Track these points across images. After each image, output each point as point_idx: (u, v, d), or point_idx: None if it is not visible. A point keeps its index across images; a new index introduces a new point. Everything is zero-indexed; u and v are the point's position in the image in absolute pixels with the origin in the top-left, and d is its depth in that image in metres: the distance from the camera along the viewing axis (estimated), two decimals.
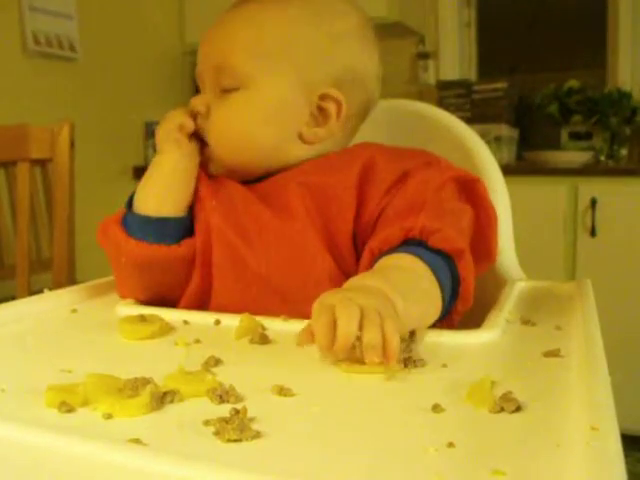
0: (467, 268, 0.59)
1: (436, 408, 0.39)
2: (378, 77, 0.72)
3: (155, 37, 2.85)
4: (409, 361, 0.47)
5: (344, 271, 0.62)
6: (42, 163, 1.72)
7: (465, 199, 0.64)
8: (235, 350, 0.52)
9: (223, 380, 0.42)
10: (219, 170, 0.69)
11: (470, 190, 0.64)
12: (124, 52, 2.68)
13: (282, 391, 0.41)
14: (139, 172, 2.80)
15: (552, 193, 2.13)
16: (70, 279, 1.35)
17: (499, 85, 2.50)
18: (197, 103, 0.68)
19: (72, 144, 1.36)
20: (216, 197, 0.67)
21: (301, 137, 0.68)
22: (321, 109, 0.67)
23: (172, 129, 0.66)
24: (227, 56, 0.66)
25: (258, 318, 0.57)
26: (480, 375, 0.43)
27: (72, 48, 2.44)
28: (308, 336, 0.47)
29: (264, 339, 0.53)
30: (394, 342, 0.44)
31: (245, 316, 0.57)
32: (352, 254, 0.62)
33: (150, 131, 2.83)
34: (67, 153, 1.34)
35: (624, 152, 2.47)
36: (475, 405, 0.39)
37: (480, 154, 0.82)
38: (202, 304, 0.66)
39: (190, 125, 0.67)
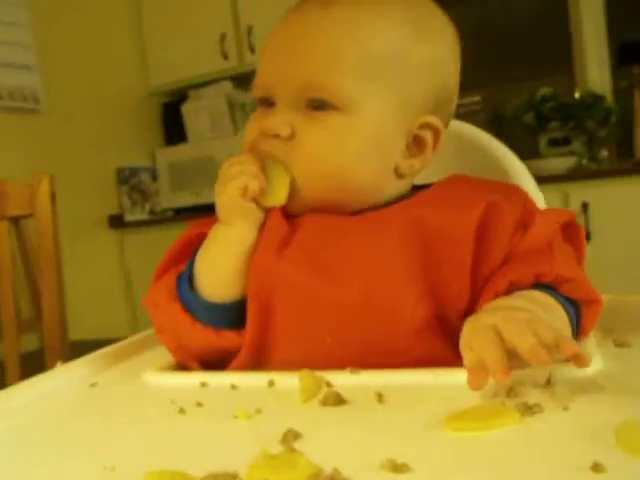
0: (591, 321, 0.55)
1: (597, 468, 0.31)
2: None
3: (119, 81, 2.79)
4: (524, 408, 0.39)
5: (444, 316, 0.54)
6: (16, 220, 1.62)
7: (566, 240, 0.59)
8: (309, 417, 0.43)
9: (316, 459, 0.35)
10: (299, 208, 0.58)
11: (572, 233, 0.59)
12: (89, 99, 2.61)
13: (397, 467, 0.33)
14: (115, 221, 2.70)
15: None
16: (64, 340, 1.25)
17: (474, 99, 2.48)
18: (278, 123, 0.55)
19: (53, 197, 1.27)
20: (291, 238, 0.57)
21: (396, 170, 0.59)
22: (417, 138, 0.59)
23: (236, 195, 0.55)
24: (324, 75, 0.55)
25: (319, 373, 0.49)
26: (611, 414, 0.37)
27: (35, 99, 2.36)
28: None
29: (338, 399, 0.45)
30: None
31: (304, 373, 0.49)
32: (461, 298, 0.54)
33: (122, 177, 2.74)
34: (49, 207, 1.25)
35: (604, 153, 2.47)
36: (634, 454, 0.33)
37: (514, 166, 0.77)
38: (257, 361, 0.56)
39: (255, 188, 0.55)
